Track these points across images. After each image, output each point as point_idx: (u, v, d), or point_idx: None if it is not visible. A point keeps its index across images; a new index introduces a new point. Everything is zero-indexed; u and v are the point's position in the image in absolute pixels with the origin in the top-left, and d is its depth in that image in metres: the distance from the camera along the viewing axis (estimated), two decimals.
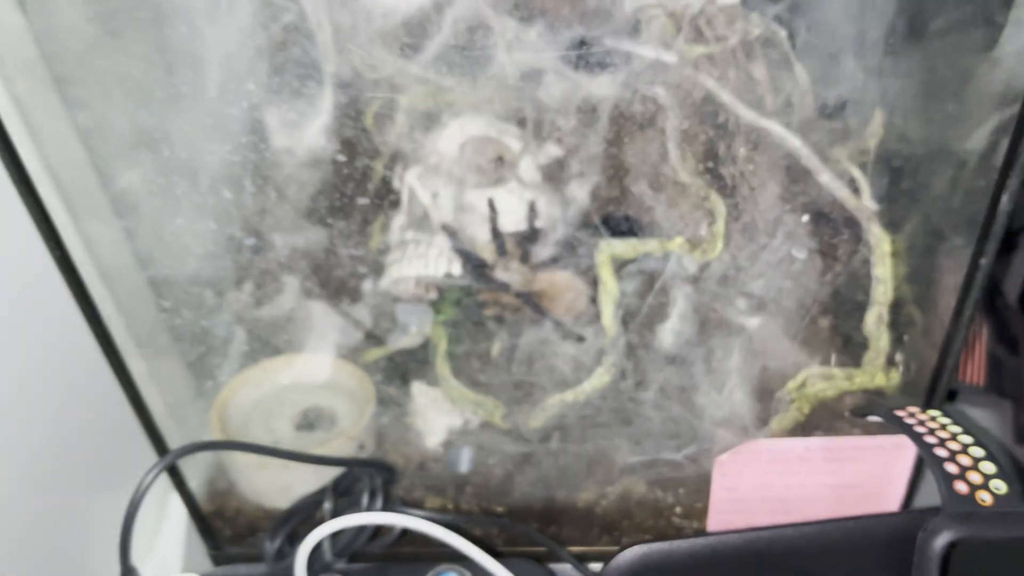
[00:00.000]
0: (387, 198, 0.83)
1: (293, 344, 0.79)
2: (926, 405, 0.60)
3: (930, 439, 0.52)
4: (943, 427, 0.52)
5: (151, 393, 0.67)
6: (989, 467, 0.52)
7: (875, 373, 0.61)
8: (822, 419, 0.69)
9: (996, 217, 0.49)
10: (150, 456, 0.68)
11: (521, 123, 0.78)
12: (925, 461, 0.52)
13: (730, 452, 0.64)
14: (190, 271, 0.78)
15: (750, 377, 0.71)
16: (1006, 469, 0.50)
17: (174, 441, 0.69)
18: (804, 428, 0.68)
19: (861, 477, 0.65)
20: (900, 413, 0.55)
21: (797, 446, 0.64)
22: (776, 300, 0.71)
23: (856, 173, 0.65)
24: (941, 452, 0.51)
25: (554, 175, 0.79)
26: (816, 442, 0.64)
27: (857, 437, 0.63)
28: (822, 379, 0.62)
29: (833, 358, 0.71)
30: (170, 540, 0.70)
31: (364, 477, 0.62)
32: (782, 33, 0.74)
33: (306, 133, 0.81)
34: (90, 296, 0.60)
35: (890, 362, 0.63)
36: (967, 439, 0.52)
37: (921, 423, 0.54)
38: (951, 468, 0.50)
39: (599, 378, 0.67)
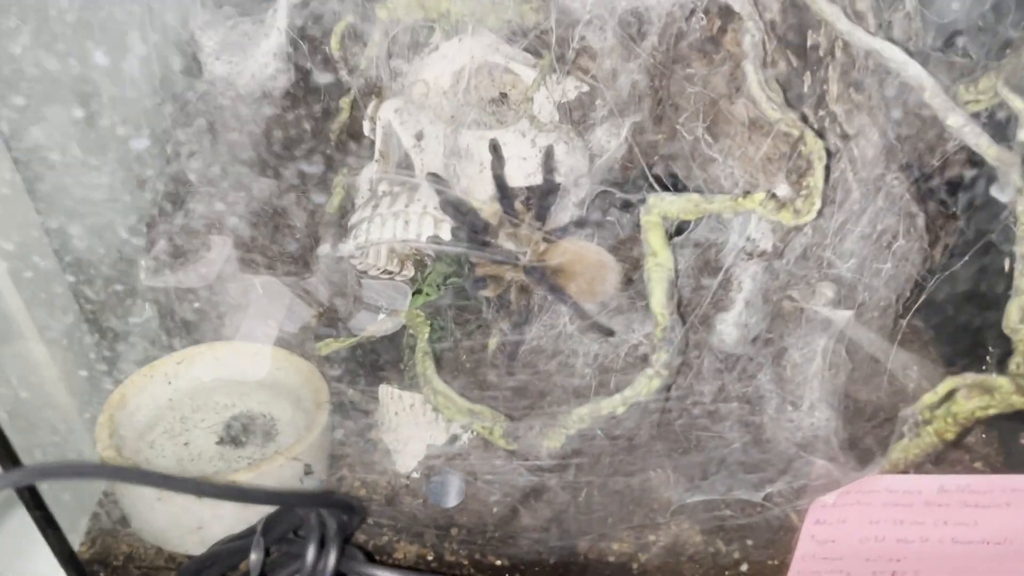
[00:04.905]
0: (355, 141, 0.65)
1: (220, 328, 0.62)
2: None
3: None
4: None
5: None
6: None
7: None
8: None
9: None
10: None
11: (536, 51, 0.60)
12: None
13: (835, 493, 0.46)
14: (89, 224, 0.59)
15: (843, 391, 0.53)
16: None
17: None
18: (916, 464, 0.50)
19: (1011, 532, 0.47)
20: None
21: (929, 486, 0.47)
22: (879, 287, 0.54)
23: (1018, 103, 0.47)
24: None
25: (579, 115, 0.60)
26: (955, 481, 0.47)
27: (1011, 476, 0.46)
28: (979, 391, 0.43)
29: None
30: None
31: (311, 519, 0.43)
32: None
33: (251, 58, 0.65)
34: None
35: None
36: None
37: None
38: None
39: (645, 383, 0.49)
